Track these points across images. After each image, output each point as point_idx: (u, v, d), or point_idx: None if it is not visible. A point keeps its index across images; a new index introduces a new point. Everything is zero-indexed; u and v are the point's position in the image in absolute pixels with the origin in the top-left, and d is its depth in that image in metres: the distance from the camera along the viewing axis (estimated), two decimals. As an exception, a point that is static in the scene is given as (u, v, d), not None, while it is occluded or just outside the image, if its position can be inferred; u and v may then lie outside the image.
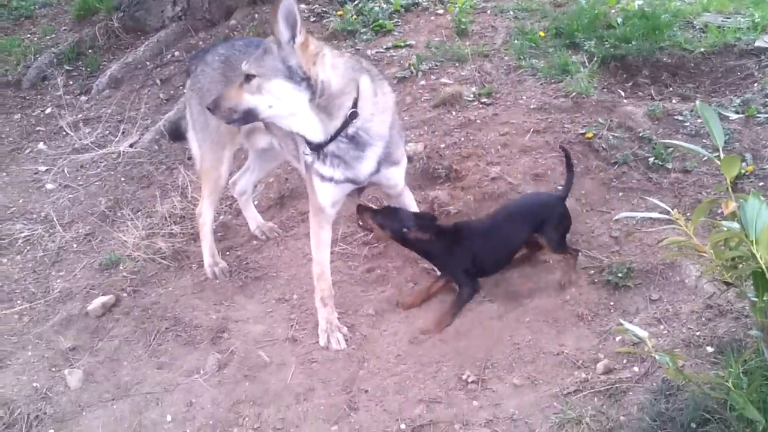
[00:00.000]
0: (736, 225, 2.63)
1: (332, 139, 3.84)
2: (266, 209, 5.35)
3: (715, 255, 2.74)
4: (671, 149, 4.78)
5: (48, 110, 7.17)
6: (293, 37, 3.60)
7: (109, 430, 3.87)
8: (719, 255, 2.73)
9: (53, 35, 8.11)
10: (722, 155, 2.68)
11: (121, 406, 3.99)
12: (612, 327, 3.77)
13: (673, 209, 2.76)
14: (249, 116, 3.80)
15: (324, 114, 3.76)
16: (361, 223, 4.24)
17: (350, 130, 3.84)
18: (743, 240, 2.58)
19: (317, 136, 3.83)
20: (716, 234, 2.72)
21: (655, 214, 2.87)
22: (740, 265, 2.69)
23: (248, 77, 3.71)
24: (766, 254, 2.50)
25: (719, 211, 2.75)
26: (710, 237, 2.73)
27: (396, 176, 4.16)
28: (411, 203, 4.41)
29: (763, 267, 2.52)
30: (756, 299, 2.68)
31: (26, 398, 4.11)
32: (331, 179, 4.00)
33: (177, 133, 5.41)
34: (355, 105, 3.82)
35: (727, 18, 6.52)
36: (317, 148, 3.90)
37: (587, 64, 5.99)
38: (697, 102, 2.74)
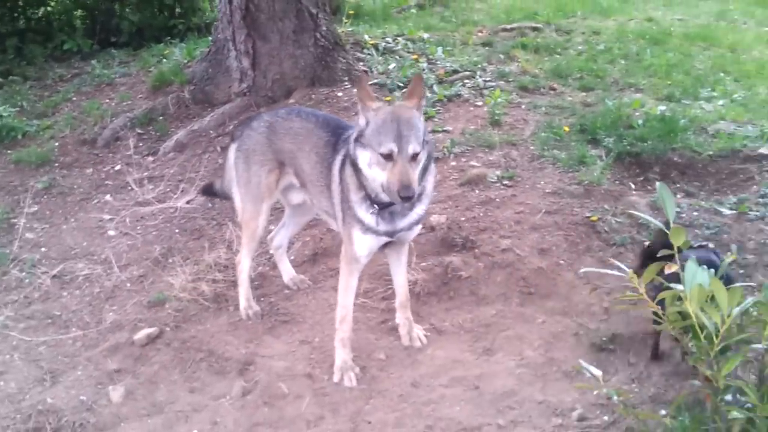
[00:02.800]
0: (680, 286, 3.14)
1: None
2: (300, 264, 5.82)
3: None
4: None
5: (117, 167, 7.81)
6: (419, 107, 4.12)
7: (143, 440, 4.39)
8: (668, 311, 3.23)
9: (129, 101, 8.84)
10: (672, 226, 3.21)
11: (156, 421, 4.46)
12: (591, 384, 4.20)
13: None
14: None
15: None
16: None
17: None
18: (683, 298, 3.09)
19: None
20: (664, 293, 3.22)
21: (614, 271, 3.39)
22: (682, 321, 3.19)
23: (415, 156, 3.95)
24: (697, 309, 2.99)
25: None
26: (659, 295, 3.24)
27: (416, 232, 4.60)
28: (406, 256, 4.82)
29: (695, 320, 3.01)
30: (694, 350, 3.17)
31: (73, 409, 4.59)
32: (375, 232, 4.33)
33: (209, 191, 5.91)
34: None
35: (740, 126, 7.06)
36: (387, 206, 4.24)
37: (604, 157, 6.54)
38: (657, 183, 3.26)
